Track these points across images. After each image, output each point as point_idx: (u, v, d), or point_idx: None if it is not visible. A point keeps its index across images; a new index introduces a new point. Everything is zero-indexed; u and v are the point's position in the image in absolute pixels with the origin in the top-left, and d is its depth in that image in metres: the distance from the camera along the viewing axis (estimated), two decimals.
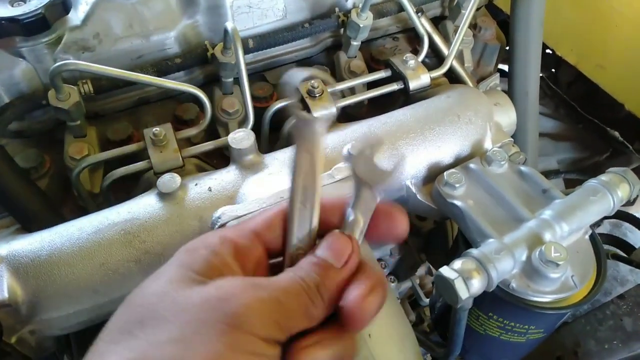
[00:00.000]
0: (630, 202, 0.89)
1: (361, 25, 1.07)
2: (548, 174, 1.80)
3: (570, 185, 1.84)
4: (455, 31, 1.22)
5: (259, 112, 1.02)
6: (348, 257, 0.46)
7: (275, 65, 1.18)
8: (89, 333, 0.80)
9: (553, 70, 2.18)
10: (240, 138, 0.84)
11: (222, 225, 0.70)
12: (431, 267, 1.29)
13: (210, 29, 1.06)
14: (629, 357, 1.27)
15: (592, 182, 0.85)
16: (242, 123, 1.04)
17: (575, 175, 1.86)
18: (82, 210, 0.95)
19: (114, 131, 0.98)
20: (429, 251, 1.16)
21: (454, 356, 0.92)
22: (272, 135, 1.04)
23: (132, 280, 0.74)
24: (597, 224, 2.28)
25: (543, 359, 1.41)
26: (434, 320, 1.08)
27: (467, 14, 1.07)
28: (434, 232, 1.14)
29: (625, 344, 1.43)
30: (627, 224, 1.71)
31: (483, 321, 0.87)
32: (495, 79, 1.32)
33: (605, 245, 1.92)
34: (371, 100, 1.14)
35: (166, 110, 1.07)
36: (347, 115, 1.15)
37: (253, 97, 1.08)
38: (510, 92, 1.34)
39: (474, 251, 0.76)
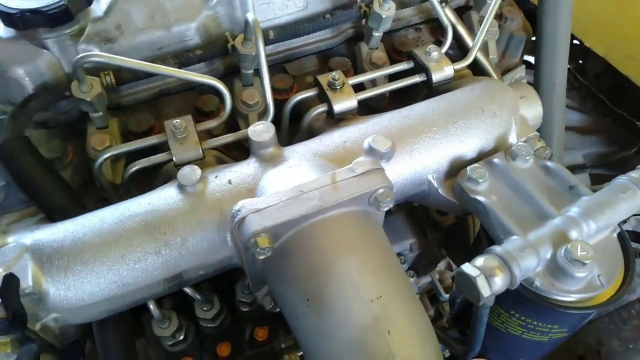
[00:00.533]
0: None
1: (384, 16, 1.05)
2: (574, 168, 1.75)
3: (597, 180, 1.79)
4: (480, 22, 1.19)
5: (279, 104, 1.01)
6: None
7: (296, 57, 1.17)
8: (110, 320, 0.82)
9: (580, 61, 2.13)
10: (260, 130, 0.83)
11: (242, 219, 0.70)
12: (451, 262, 1.27)
13: (231, 20, 1.05)
14: None
15: (621, 179, 0.82)
16: (262, 115, 1.04)
17: (601, 170, 1.81)
18: (105, 201, 0.96)
19: (136, 122, 0.99)
20: (449, 246, 1.15)
21: (474, 354, 0.91)
22: (292, 127, 1.04)
23: (152, 272, 0.75)
24: (623, 220, 2.23)
25: (565, 358, 1.38)
26: (453, 316, 1.07)
27: (493, 4, 1.04)
28: (455, 227, 1.13)
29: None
30: None
31: (505, 319, 0.86)
32: (521, 71, 1.29)
33: (633, 244, 1.86)
34: (393, 92, 1.12)
35: (187, 102, 1.07)
36: (368, 108, 1.13)
37: (273, 89, 1.07)
38: (536, 84, 1.31)
39: (496, 248, 0.74)
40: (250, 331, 1.04)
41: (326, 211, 0.71)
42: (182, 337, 0.96)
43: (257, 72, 1.08)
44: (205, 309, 0.95)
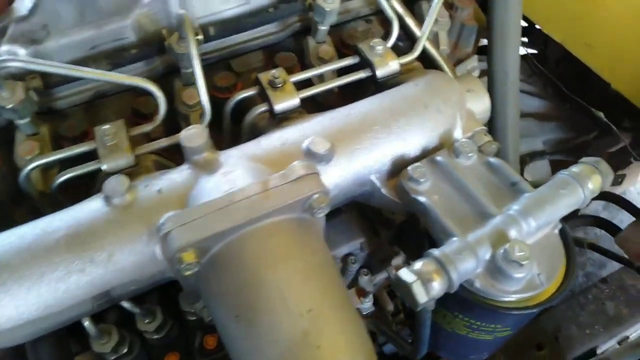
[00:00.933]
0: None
1: (327, 9, 1.01)
2: (534, 155, 1.76)
3: (557, 166, 1.80)
4: None
5: (222, 104, 0.98)
6: None
7: (241, 53, 1.13)
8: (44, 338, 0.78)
9: (542, 48, 2.13)
10: (193, 135, 0.79)
11: (167, 233, 0.66)
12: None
13: (168, 16, 1.00)
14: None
15: (562, 174, 0.82)
16: (204, 115, 1.00)
17: (561, 156, 1.82)
18: (39, 213, 0.91)
19: (67, 128, 0.94)
20: (401, 244, 1.13)
21: (421, 355, 0.90)
22: (237, 127, 1.00)
23: (77, 291, 0.71)
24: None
25: (523, 346, 1.40)
26: (406, 314, 1.06)
27: None
28: (406, 224, 1.11)
29: (607, 328, 1.42)
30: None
31: (450, 320, 0.85)
32: (473, 62, 1.27)
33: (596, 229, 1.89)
34: (343, 87, 1.09)
35: (125, 103, 1.02)
36: (318, 104, 1.10)
37: (215, 88, 1.04)
38: (489, 73, 1.29)
39: (435, 251, 0.73)
40: (199, 339, 1.01)
41: (257, 221, 0.69)
42: (125, 351, 0.93)
43: None
44: (147, 321, 0.92)
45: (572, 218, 1.81)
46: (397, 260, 1.24)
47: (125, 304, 0.87)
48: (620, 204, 1.67)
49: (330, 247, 1.03)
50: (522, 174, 1.69)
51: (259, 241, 0.68)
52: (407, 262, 1.29)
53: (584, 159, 0.84)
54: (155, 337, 0.94)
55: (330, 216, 1.07)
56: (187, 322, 0.99)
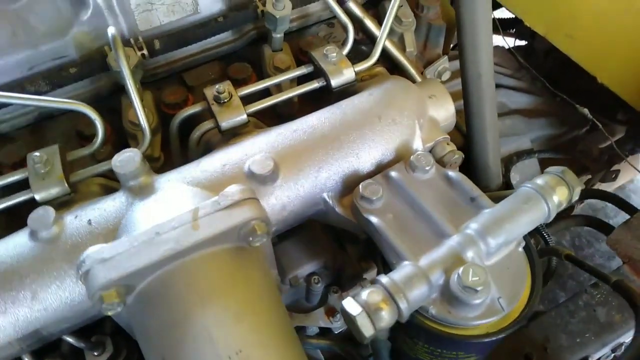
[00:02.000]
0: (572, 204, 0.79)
1: (277, 16, 0.96)
2: (521, 154, 1.68)
3: (547, 165, 1.73)
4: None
5: (170, 121, 0.93)
6: None
7: (196, 65, 1.08)
8: None
9: (530, 40, 2.05)
10: (125, 160, 0.74)
11: (87, 272, 0.61)
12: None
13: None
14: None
15: (525, 187, 0.75)
16: (153, 133, 0.95)
17: (550, 154, 1.74)
18: None
19: (5, 154, 0.90)
20: (370, 258, 1.08)
21: None
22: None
23: (0, 333, 0.66)
24: (580, 202, 2.18)
25: (510, 357, 1.33)
26: None
27: None
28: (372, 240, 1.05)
29: (599, 335, 1.35)
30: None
31: (412, 346, 0.79)
32: (444, 62, 1.21)
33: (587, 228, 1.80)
34: (304, 97, 1.04)
35: (71, 125, 0.98)
36: (278, 115, 1.05)
37: (164, 104, 0.99)
38: (462, 75, 1.23)
39: (382, 278, 0.67)
40: None
41: (184, 254, 0.63)
42: None
43: (149, 85, 1.00)
44: (96, 354, 0.87)
45: (565, 218, 1.74)
46: (372, 274, 1.18)
47: (69, 339, 0.82)
48: (615, 202, 1.60)
49: (292, 267, 0.98)
50: (508, 173, 1.62)
51: (187, 276, 0.63)
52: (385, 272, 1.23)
53: (549, 169, 0.78)
54: None
55: (292, 233, 1.02)
56: None
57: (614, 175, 1.87)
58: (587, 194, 1.69)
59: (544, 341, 1.35)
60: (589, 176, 1.82)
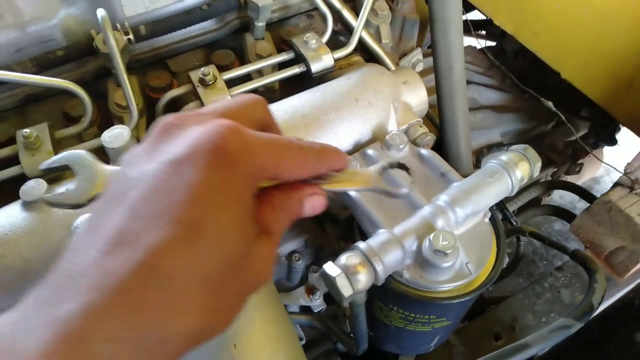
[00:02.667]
0: (532, 179, 0.85)
1: (260, 5, 1.00)
2: (491, 147, 1.77)
3: None
4: (372, 6, 1.17)
5: (156, 103, 0.96)
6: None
7: (180, 52, 1.11)
8: None
9: (500, 39, 2.14)
10: (115, 136, 0.77)
11: None
12: None
13: (96, 16, 0.98)
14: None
15: (491, 163, 0.82)
16: (139, 115, 0.98)
17: None
18: None
19: None
20: (350, 238, 1.12)
21: (361, 350, 0.89)
22: None
23: None
24: (548, 194, 2.28)
25: (481, 336, 1.40)
26: None
27: None
28: (352, 219, 1.10)
29: (563, 315, 1.43)
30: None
31: (387, 312, 0.84)
32: (418, 54, 1.27)
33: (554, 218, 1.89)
34: (285, 84, 1.08)
35: (57, 107, 1.00)
36: None
37: (149, 88, 1.02)
38: (435, 67, 1.29)
39: (360, 244, 0.72)
40: None
41: None
42: None
43: (131, 72, 1.03)
44: None
45: (532, 207, 1.83)
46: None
47: None
48: (576, 192, 1.69)
49: None
50: (479, 165, 1.70)
51: None
52: None
53: (513, 147, 0.84)
54: None
55: None
56: None
57: (578, 168, 1.97)
58: (552, 185, 1.78)
59: (512, 321, 1.42)
60: (555, 169, 1.92)
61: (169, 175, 0.36)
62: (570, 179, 2.09)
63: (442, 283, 0.75)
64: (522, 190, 1.82)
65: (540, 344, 0.74)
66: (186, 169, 0.36)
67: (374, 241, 0.72)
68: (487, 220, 0.81)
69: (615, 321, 0.77)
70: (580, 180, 2.21)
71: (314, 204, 0.49)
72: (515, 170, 0.80)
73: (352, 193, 0.81)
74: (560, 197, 2.68)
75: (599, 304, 0.79)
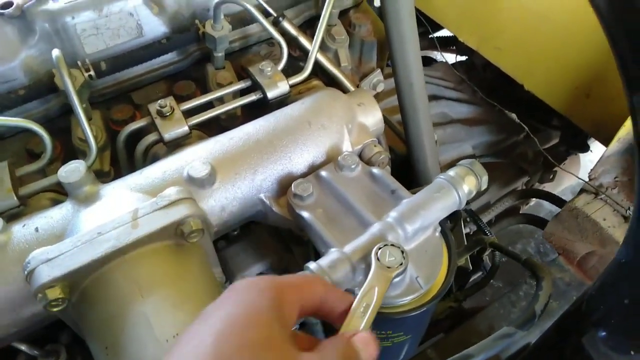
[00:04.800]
0: (481, 194, 0.88)
1: (216, 37, 1.04)
2: (462, 159, 1.80)
3: (488, 169, 1.84)
4: (328, 31, 1.21)
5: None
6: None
7: (143, 84, 1.15)
8: None
9: (469, 55, 2.20)
10: (71, 171, 0.80)
11: (31, 271, 0.66)
12: None
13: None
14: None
15: (439, 178, 0.84)
16: (102, 149, 1.01)
17: (490, 158, 1.87)
18: None
19: None
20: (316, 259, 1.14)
21: None
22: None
23: None
24: (526, 202, 2.31)
25: (458, 348, 1.41)
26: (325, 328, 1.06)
27: (323, 16, 1.05)
28: None
29: (538, 323, 1.44)
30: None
31: None
32: (378, 75, 1.31)
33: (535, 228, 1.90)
34: (247, 111, 1.11)
35: (22, 145, 1.02)
36: (222, 128, 1.12)
37: (112, 121, 1.05)
38: (396, 86, 1.33)
39: (311, 264, 0.74)
40: None
41: (125, 251, 0.69)
42: None
43: (96, 106, 1.06)
44: None
45: (507, 217, 1.86)
46: None
47: (23, 347, 0.86)
48: (548, 198, 1.72)
49: (240, 269, 1.04)
50: None
51: (128, 270, 0.69)
52: None
53: (460, 162, 0.87)
54: None
55: (239, 237, 1.08)
56: None
57: (551, 176, 2.00)
58: (524, 193, 1.81)
59: (489, 331, 1.43)
60: (527, 178, 1.95)
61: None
62: (550, 186, 2.13)
63: (393, 298, 0.77)
64: (496, 200, 1.85)
65: (482, 353, 0.76)
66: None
67: (324, 260, 0.74)
68: (437, 234, 0.84)
69: (568, 325, 0.79)
70: (562, 186, 2.24)
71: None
72: (462, 184, 0.82)
73: (305, 214, 0.83)
74: (552, 205, 2.69)
75: (542, 311, 0.81)
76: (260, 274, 1.04)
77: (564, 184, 2.25)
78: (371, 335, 0.56)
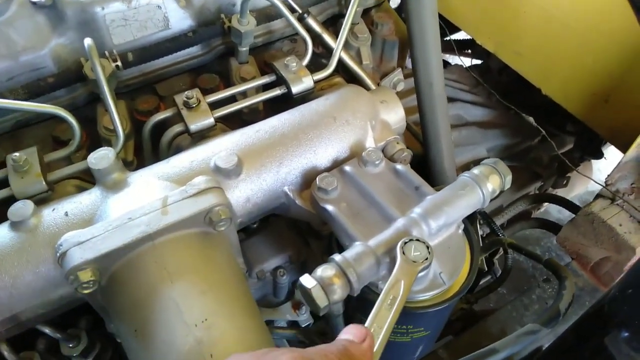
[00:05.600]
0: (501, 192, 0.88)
1: (242, 31, 1.05)
2: (477, 162, 1.80)
3: None
4: (352, 29, 1.22)
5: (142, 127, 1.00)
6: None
7: (168, 76, 1.16)
8: None
9: (485, 58, 2.20)
10: (100, 157, 0.81)
11: (64, 253, 0.67)
12: None
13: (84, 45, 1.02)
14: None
15: (463, 176, 0.85)
16: (127, 139, 1.02)
17: (505, 162, 1.86)
18: None
19: None
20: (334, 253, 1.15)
21: None
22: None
23: None
24: (538, 207, 2.30)
25: (470, 350, 1.41)
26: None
27: (347, 14, 1.06)
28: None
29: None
30: None
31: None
32: (398, 74, 1.31)
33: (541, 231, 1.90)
34: (269, 105, 1.12)
35: (48, 132, 1.04)
36: (244, 122, 1.13)
37: (137, 112, 1.06)
38: (415, 85, 1.33)
39: (336, 256, 0.74)
40: None
41: (155, 237, 0.70)
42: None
43: (120, 96, 1.07)
44: (70, 345, 0.92)
45: (519, 221, 1.85)
46: None
47: (46, 330, 0.87)
48: (562, 204, 1.72)
49: (259, 261, 1.05)
50: None
51: (157, 256, 0.70)
52: None
53: (484, 161, 0.88)
54: None
55: (258, 230, 1.09)
56: (118, 344, 0.98)
57: (565, 182, 2.00)
58: (538, 198, 1.81)
59: (500, 334, 1.43)
60: (541, 182, 1.95)
61: None
62: (561, 192, 2.12)
63: (416, 293, 0.77)
64: (509, 204, 1.85)
65: (507, 348, 0.76)
66: None
67: (349, 253, 0.75)
68: (460, 231, 0.84)
69: (589, 327, 0.79)
70: (573, 192, 2.24)
71: None
72: (486, 183, 0.83)
73: (329, 207, 0.84)
74: (559, 212, 2.68)
75: (567, 310, 0.82)
76: (279, 267, 1.05)
77: (575, 191, 2.25)
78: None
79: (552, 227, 1.70)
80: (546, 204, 2.04)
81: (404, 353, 0.95)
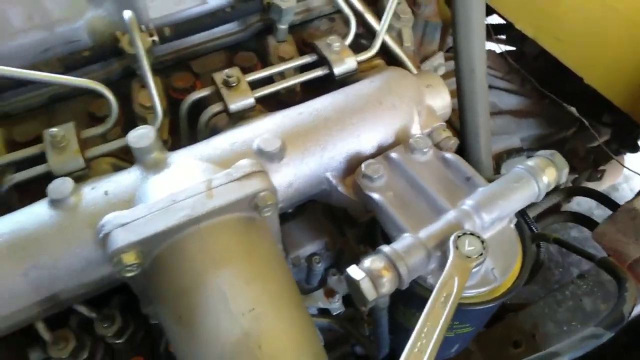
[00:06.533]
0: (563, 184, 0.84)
1: (283, 8, 1.00)
2: (510, 152, 1.75)
3: None
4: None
5: (179, 105, 0.97)
6: None
7: (203, 53, 1.12)
8: None
9: (519, 44, 2.12)
10: (140, 136, 0.78)
11: (107, 235, 0.65)
12: None
13: (122, 18, 0.98)
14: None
15: (518, 168, 0.81)
16: (163, 115, 0.99)
17: None
18: None
19: (20, 132, 0.92)
20: (372, 241, 1.12)
21: (382, 354, 0.88)
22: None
23: (20, 295, 0.69)
24: (567, 200, 2.24)
25: (500, 343, 1.38)
26: None
27: None
28: (372, 222, 1.10)
29: (585, 324, 1.41)
30: None
31: (409, 317, 0.83)
32: (439, 58, 1.26)
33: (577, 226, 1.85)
34: (306, 86, 1.08)
35: (83, 107, 1.01)
36: (281, 103, 1.09)
37: (173, 89, 1.03)
38: (456, 71, 1.28)
39: (385, 248, 0.71)
40: (164, 344, 1.00)
41: (200, 220, 0.67)
42: (86, 356, 0.91)
43: (154, 73, 1.03)
44: (105, 325, 0.90)
45: (552, 214, 1.80)
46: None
47: (82, 309, 0.85)
48: (599, 199, 1.66)
49: (294, 247, 1.02)
50: (498, 170, 1.68)
51: (201, 241, 0.67)
52: None
53: (539, 152, 0.83)
54: (117, 341, 0.93)
55: (294, 216, 1.06)
56: (151, 325, 0.97)
57: (599, 175, 1.94)
58: (573, 191, 1.75)
59: (532, 329, 1.40)
60: (576, 175, 1.89)
61: None
62: (590, 185, 2.06)
63: (467, 289, 0.74)
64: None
65: (570, 353, 0.73)
66: None
67: (399, 245, 0.71)
68: (512, 226, 0.80)
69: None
70: (600, 187, 2.17)
71: None
72: (542, 175, 0.79)
73: (376, 196, 0.80)
74: (577, 204, 2.63)
75: (630, 313, 0.78)
76: (314, 254, 1.02)
77: (603, 184, 2.18)
78: None
79: (586, 221, 1.65)
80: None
81: (443, 347, 0.92)
